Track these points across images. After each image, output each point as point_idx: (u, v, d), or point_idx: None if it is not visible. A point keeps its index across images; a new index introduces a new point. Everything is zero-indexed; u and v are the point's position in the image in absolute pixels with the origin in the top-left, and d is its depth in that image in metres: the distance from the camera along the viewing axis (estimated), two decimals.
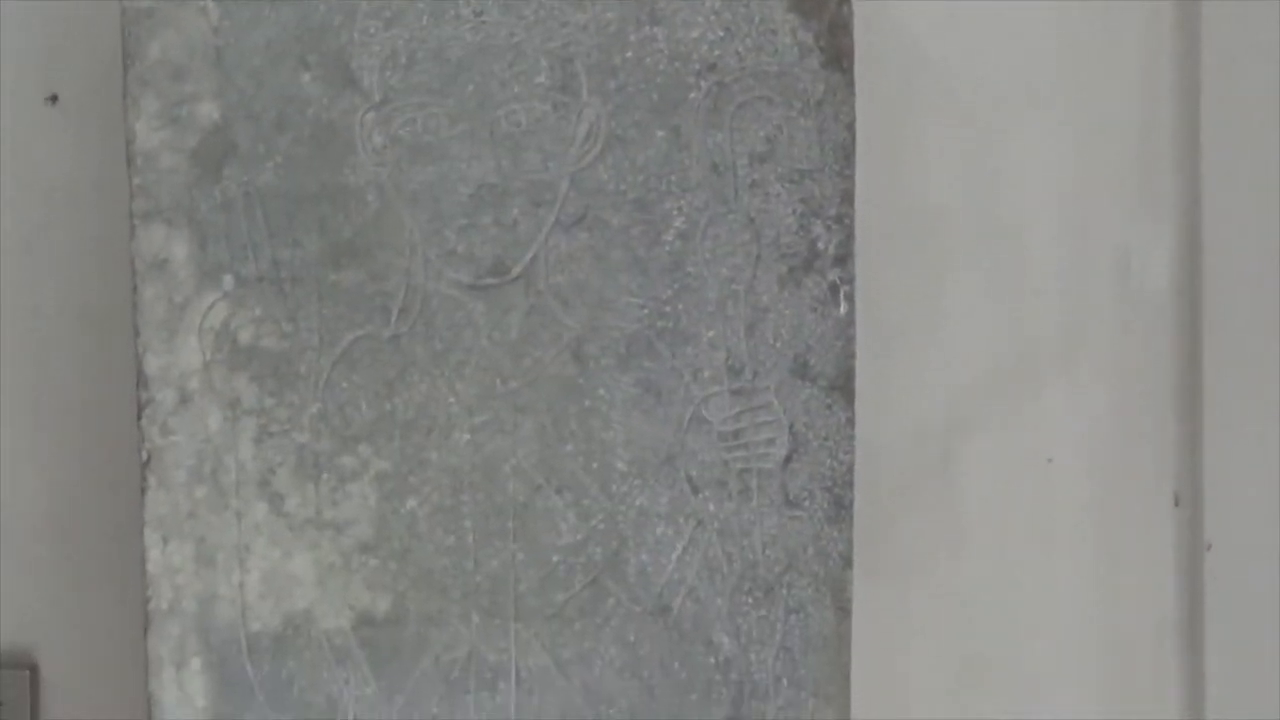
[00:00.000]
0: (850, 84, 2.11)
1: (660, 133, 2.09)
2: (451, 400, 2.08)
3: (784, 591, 2.10)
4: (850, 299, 2.10)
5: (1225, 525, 2.42)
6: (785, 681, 2.10)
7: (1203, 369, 2.42)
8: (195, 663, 2.07)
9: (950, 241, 2.44)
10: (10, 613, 2.41)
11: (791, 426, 2.09)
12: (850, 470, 2.11)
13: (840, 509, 2.10)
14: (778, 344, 2.09)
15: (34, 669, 2.40)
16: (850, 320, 2.10)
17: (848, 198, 2.10)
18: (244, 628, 2.07)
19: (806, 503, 2.10)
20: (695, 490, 2.09)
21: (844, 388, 2.10)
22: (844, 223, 2.10)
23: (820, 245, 2.10)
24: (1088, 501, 2.46)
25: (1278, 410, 2.40)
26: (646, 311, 2.09)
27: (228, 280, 2.07)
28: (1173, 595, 2.47)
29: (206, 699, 2.07)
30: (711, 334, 2.09)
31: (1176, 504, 2.46)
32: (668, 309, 2.09)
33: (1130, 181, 2.46)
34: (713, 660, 2.10)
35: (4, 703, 2.38)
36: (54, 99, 2.41)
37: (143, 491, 2.06)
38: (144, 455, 2.07)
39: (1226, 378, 2.42)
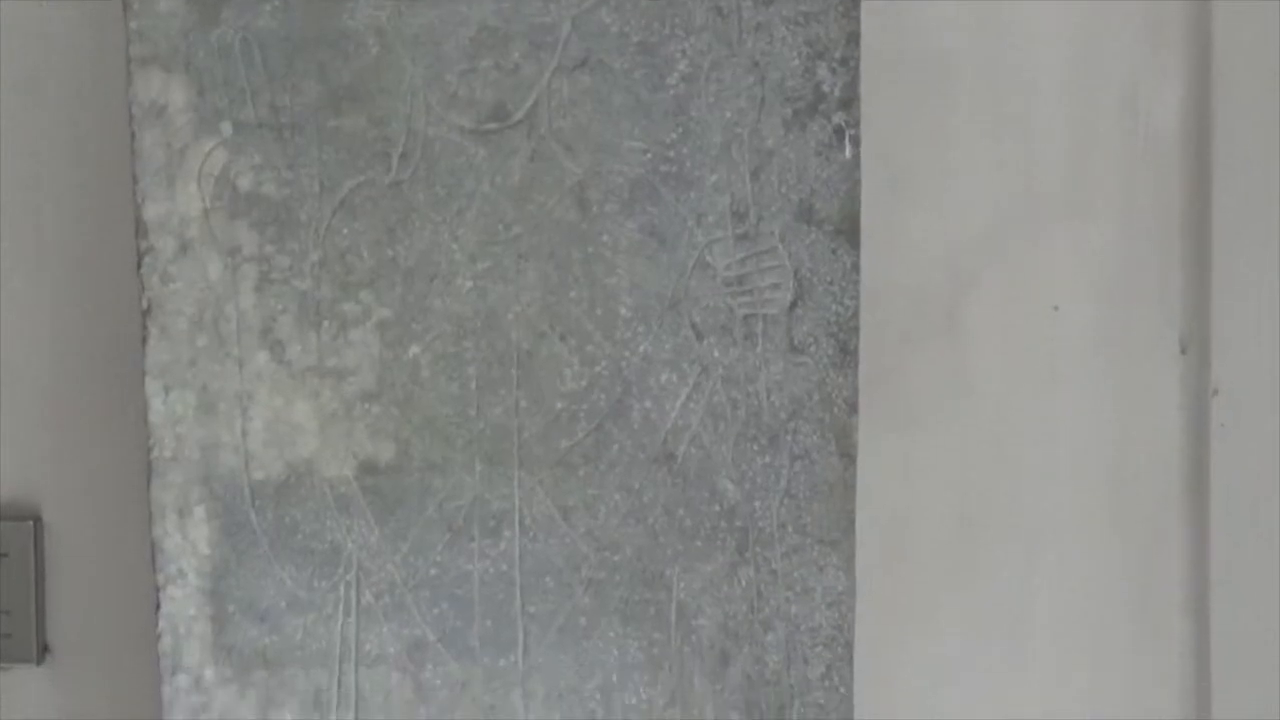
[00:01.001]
0: None
1: None
2: (454, 246, 2.06)
3: (789, 438, 2.09)
4: (855, 142, 2.08)
5: (1232, 371, 2.41)
6: (790, 528, 2.10)
7: (1211, 214, 2.40)
8: (199, 511, 2.07)
9: (957, 84, 2.40)
10: (13, 464, 2.40)
11: (796, 271, 2.08)
12: (855, 316, 2.09)
13: (845, 355, 2.09)
14: (782, 188, 2.07)
15: (38, 519, 2.40)
16: (855, 164, 2.08)
17: (853, 40, 2.07)
18: (247, 476, 2.07)
19: (812, 348, 2.08)
20: (700, 336, 2.08)
21: (849, 232, 2.08)
22: (849, 65, 2.07)
23: (825, 88, 2.07)
24: (1094, 349, 2.45)
25: None
26: (649, 156, 2.07)
27: (226, 127, 2.04)
28: (1178, 442, 2.46)
29: (210, 546, 2.07)
30: (715, 178, 2.07)
31: (1183, 350, 2.45)
32: (671, 153, 2.07)
33: (1139, 20, 2.43)
34: (717, 507, 2.09)
35: (8, 553, 2.38)
36: None
37: (143, 340, 2.05)
38: (144, 304, 2.05)
39: (1235, 222, 2.40)
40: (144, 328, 2.05)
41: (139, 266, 2.05)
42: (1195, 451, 2.45)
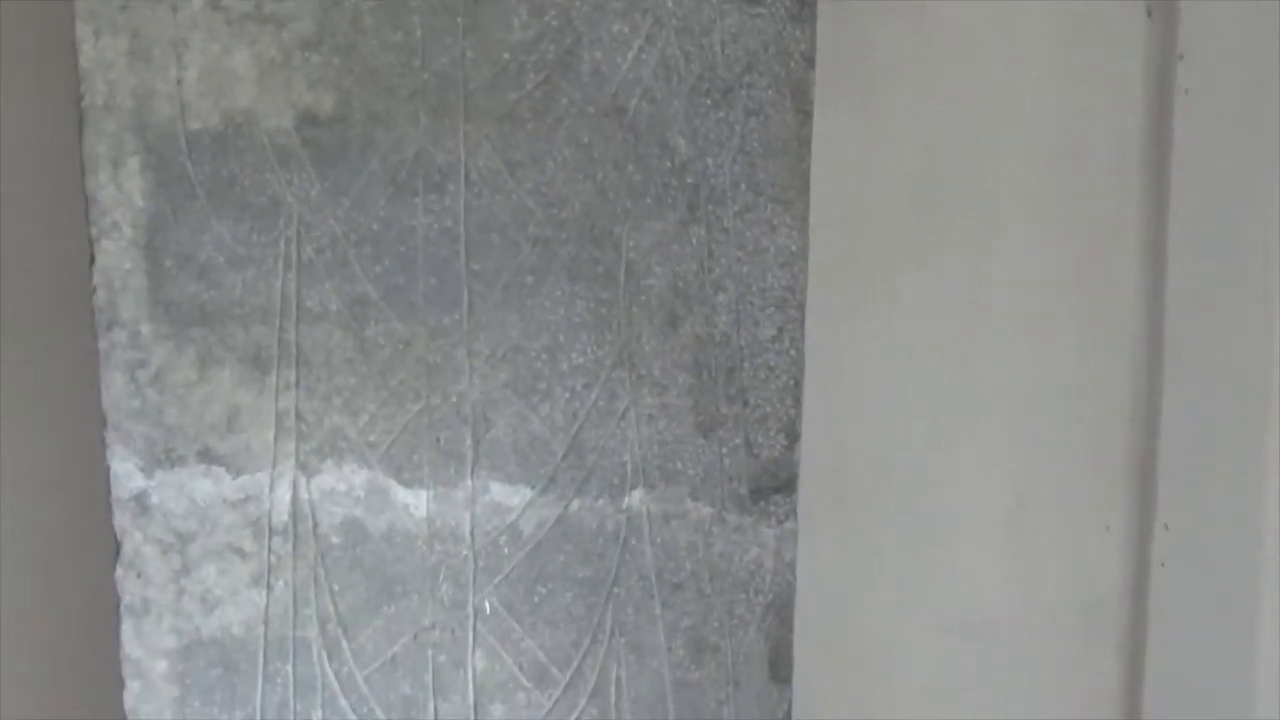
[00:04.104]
0: None
1: None
2: None
3: (743, 93, 2.04)
4: None
5: (1199, 35, 2.36)
6: (743, 185, 2.05)
7: None
8: (133, 162, 2.01)
9: None
10: None
11: None
12: None
13: (803, 6, 2.03)
14: None
15: None
16: None
17: None
18: (183, 126, 2.00)
19: None
20: None
21: None
22: None
23: None
24: (1057, 9, 2.40)
25: None
26: None
27: None
28: (1140, 108, 2.43)
29: (145, 199, 2.01)
30: None
31: (1149, 13, 2.40)
32: None
33: None
34: (668, 163, 2.04)
35: None
36: None
37: None
38: None
39: None
40: None
41: None
42: (1158, 119, 2.41)
